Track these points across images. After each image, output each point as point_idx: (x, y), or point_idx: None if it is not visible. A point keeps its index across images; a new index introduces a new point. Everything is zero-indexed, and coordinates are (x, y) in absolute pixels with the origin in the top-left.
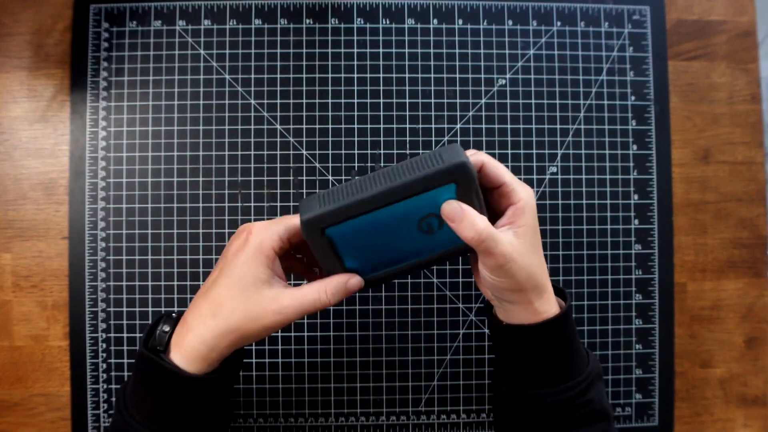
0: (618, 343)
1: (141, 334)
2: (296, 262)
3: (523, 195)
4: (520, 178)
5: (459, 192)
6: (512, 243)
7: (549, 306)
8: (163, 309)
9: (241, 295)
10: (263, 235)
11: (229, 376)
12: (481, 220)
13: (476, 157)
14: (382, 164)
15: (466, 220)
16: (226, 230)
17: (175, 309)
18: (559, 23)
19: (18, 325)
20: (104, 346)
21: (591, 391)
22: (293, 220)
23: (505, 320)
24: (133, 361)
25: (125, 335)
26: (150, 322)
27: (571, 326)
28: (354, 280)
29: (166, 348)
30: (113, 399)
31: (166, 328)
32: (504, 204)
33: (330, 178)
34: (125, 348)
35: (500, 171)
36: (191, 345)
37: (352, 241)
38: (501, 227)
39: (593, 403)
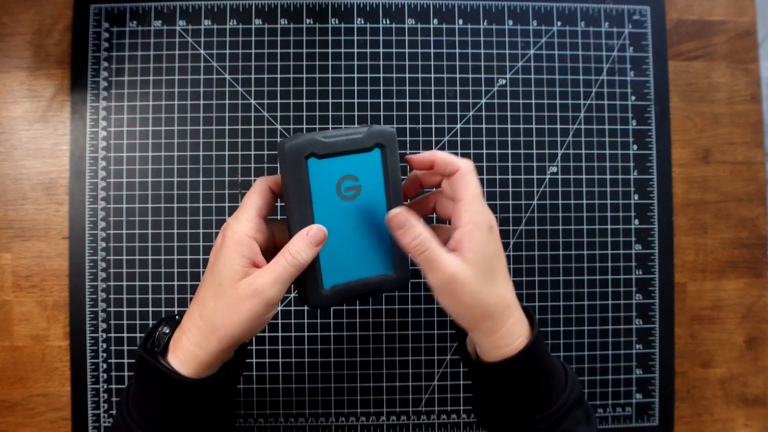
0: (618, 343)
1: (141, 334)
2: None
3: (472, 218)
4: (519, 179)
5: (383, 157)
6: (456, 263)
7: (511, 339)
8: (163, 309)
9: (219, 291)
10: (235, 227)
11: (228, 381)
12: (424, 231)
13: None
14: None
15: (410, 228)
16: None
17: (176, 309)
18: (559, 23)
19: (18, 325)
20: (104, 346)
21: (566, 420)
22: (254, 197)
23: (473, 353)
24: (133, 361)
25: (125, 335)
26: (150, 322)
27: (540, 357)
28: (314, 230)
29: (165, 350)
30: (114, 399)
31: (166, 330)
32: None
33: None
34: (125, 348)
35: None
36: (186, 348)
37: (324, 186)
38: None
39: None
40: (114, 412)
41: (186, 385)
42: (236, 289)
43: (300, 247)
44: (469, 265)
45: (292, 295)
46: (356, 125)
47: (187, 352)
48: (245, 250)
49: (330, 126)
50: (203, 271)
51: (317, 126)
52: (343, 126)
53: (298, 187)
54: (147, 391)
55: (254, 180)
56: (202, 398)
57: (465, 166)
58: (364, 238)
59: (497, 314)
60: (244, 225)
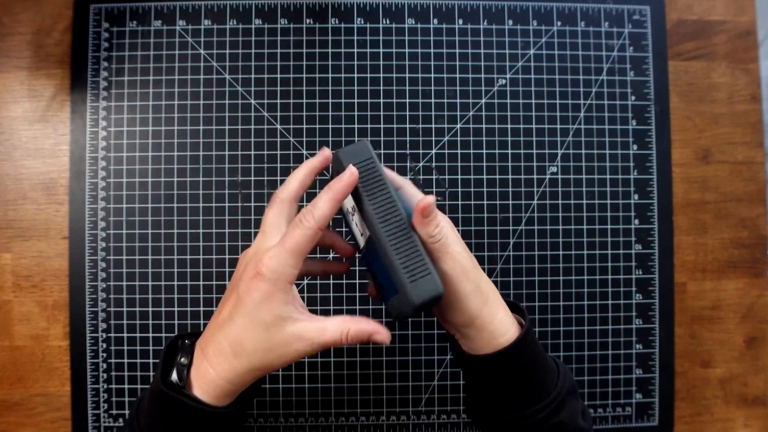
0: (618, 343)
1: (142, 334)
2: (313, 265)
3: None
4: (519, 178)
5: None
6: (459, 251)
7: (505, 329)
8: (163, 309)
9: (263, 335)
10: (277, 269)
11: (249, 403)
12: (442, 220)
13: (395, 180)
14: (382, 163)
15: (435, 217)
16: (227, 230)
17: (176, 309)
18: (559, 23)
19: (18, 325)
20: (104, 346)
21: (562, 411)
22: (299, 241)
23: (467, 350)
24: (133, 361)
25: (125, 335)
26: (150, 322)
27: (533, 348)
28: (380, 336)
29: (186, 382)
30: (114, 399)
31: (184, 360)
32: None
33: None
34: (125, 348)
35: (416, 196)
36: (215, 383)
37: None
38: None
39: (564, 424)
40: (114, 410)
41: (215, 416)
42: (283, 336)
43: (358, 337)
44: (462, 255)
45: None
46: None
47: (216, 386)
48: (289, 297)
49: (355, 125)
50: (203, 272)
51: (317, 126)
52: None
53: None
54: (170, 424)
55: (254, 180)
56: (225, 426)
57: (407, 182)
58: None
59: (490, 302)
60: (285, 271)
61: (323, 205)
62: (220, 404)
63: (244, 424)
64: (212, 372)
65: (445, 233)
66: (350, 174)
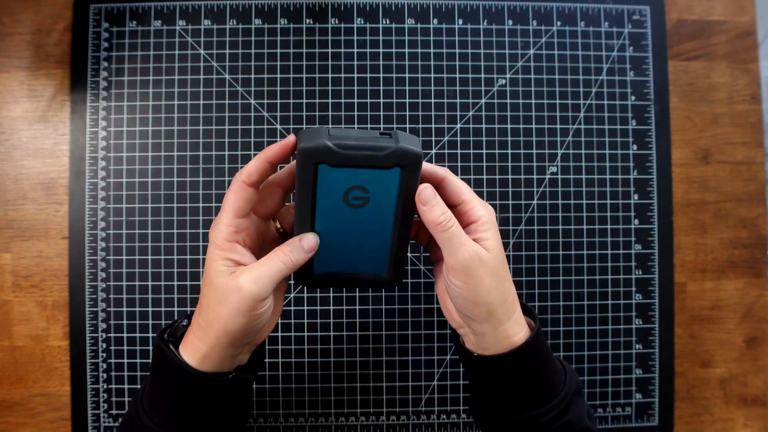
0: (618, 343)
1: (142, 334)
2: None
3: (482, 212)
4: (519, 178)
5: (402, 177)
6: (477, 245)
7: (519, 328)
8: (163, 309)
9: (210, 290)
10: (216, 232)
11: (239, 382)
12: (448, 210)
13: (437, 172)
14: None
15: (438, 204)
16: None
17: (176, 309)
18: (559, 23)
19: (18, 325)
20: (104, 346)
21: (569, 412)
22: (231, 198)
23: (475, 349)
24: (133, 361)
25: (125, 335)
26: (150, 322)
27: (543, 348)
28: (307, 239)
29: (179, 341)
30: (114, 399)
31: (184, 323)
32: (463, 223)
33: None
34: (125, 348)
35: (461, 188)
36: (192, 341)
37: (328, 195)
38: None
39: (572, 424)
40: (114, 411)
41: (192, 377)
42: (222, 283)
43: (293, 249)
44: (489, 250)
45: (292, 295)
46: (381, 133)
47: (193, 345)
48: (228, 254)
49: (355, 125)
50: (203, 271)
51: (317, 126)
52: (368, 128)
53: (305, 186)
54: (159, 380)
55: None
56: (209, 394)
57: (450, 174)
58: (363, 241)
59: (509, 302)
60: (223, 230)
61: (251, 162)
62: (204, 368)
63: (237, 403)
64: (191, 333)
65: (454, 221)
66: (287, 139)
